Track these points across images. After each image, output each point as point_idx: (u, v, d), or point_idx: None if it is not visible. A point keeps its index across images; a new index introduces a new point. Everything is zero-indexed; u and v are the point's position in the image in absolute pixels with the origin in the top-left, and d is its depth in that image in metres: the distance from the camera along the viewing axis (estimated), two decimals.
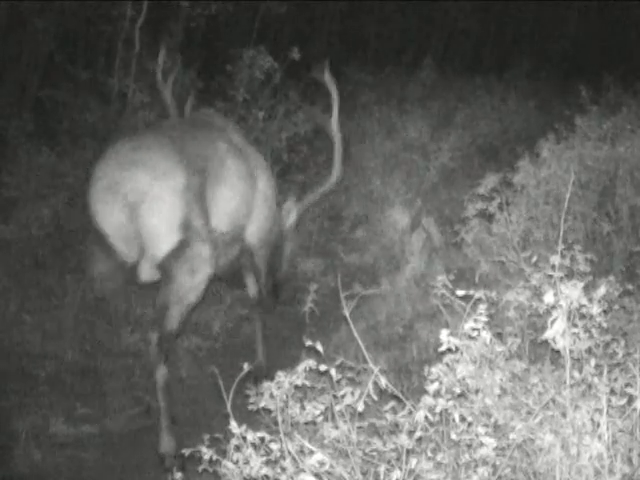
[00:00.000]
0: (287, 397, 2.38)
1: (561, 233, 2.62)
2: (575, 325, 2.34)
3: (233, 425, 2.28)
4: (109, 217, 3.31)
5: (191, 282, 3.40)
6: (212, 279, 3.60)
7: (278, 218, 4.21)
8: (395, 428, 2.37)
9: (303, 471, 2.22)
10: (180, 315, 3.44)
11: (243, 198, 3.78)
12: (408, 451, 2.22)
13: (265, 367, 4.45)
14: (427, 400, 2.27)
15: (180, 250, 3.33)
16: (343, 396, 2.36)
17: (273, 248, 4.24)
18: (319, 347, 2.42)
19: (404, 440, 2.22)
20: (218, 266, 3.63)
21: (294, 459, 2.24)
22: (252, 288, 4.35)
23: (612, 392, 2.30)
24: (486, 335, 2.37)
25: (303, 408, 2.39)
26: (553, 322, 2.30)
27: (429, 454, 2.27)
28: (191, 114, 4.40)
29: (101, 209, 3.33)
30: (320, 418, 2.40)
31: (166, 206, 3.30)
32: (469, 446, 2.26)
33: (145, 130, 3.86)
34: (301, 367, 2.37)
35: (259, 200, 3.96)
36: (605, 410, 2.24)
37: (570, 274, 2.74)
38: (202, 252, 3.39)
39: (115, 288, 3.58)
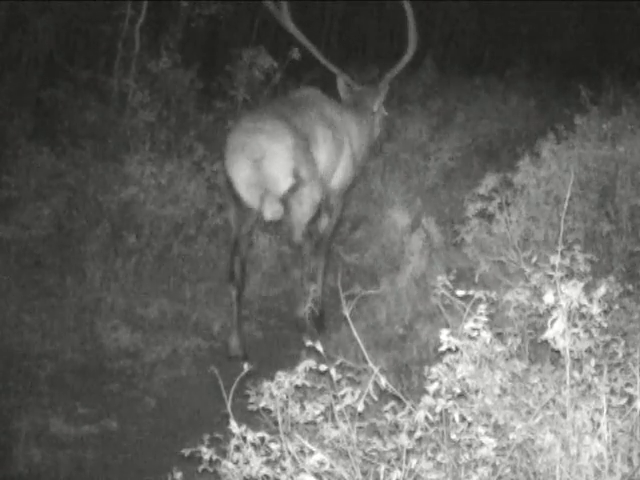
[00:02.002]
0: (287, 397, 2.37)
1: (561, 233, 2.62)
2: (575, 325, 2.34)
3: (233, 425, 2.28)
4: (239, 171, 4.46)
5: (302, 210, 4.63)
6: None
7: (358, 169, 5.31)
8: (395, 428, 2.37)
9: (303, 471, 2.22)
10: (300, 232, 4.69)
11: (329, 158, 4.84)
12: (408, 451, 2.22)
13: (322, 309, 5.11)
14: (427, 400, 2.27)
15: (293, 190, 4.52)
16: (343, 396, 2.36)
17: (348, 191, 5.36)
18: (319, 347, 2.43)
19: (404, 440, 2.22)
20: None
21: (294, 459, 2.24)
22: (323, 223, 5.18)
23: (612, 392, 2.29)
24: (486, 335, 2.37)
25: (303, 408, 2.39)
26: (553, 322, 2.30)
27: (429, 454, 2.27)
28: (293, 92, 5.41)
29: (233, 165, 4.48)
30: (320, 418, 2.40)
31: (280, 160, 4.46)
32: (469, 446, 2.26)
33: (260, 107, 5.31)
34: (301, 367, 2.37)
35: (343, 159, 5.01)
36: (605, 410, 2.24)
37: (570, 274, 2.74)
38: (306, 191, 4.59)
39: (247, 231, 4.65)
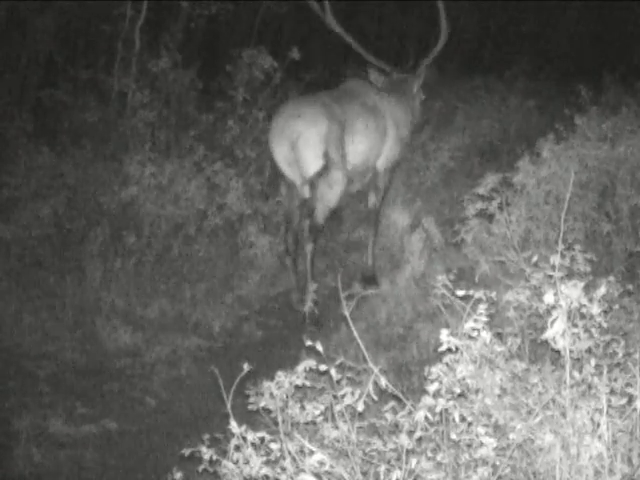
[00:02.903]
0: (287, 397, 2.38)
1: (561, 233, 2.62)
2: (575, 325, 2.34)
3: (233, 425, 2.28)
4: (279, 151, 5.00)
5: (329, 193, 4.99)
6: (346, 194, 5.25)
7: (404, 147, 5.75)
8: (395, 428, 2.37)
9: (303, 471, 2.22)
10: (323, 214, 5.03)
11: (372, 143, 5.28)
12: (408, 451, 2.22)
13: (373, 270, 5.53)
14: (427, 400, 2.27)
15: (322, 172, 4.94)
16: (343, 396, 2.36)
17: (394, 170, 5.78)
18: (319, 347, 2.43)
19: (404, 440, 2.22)
20: (352, 186, 5.28)
21: (294, 459, 2.25)
22: (372, 200, 5.68)
23: (612, 392, 2.30)
24: (486, 335, 2.37)
25: (303, 408, 2.39)
26: (553, 322, 2.30)
27: (429, 454, 2.27)
28: (341, 85, 5.78)
29: (275, 146, 5.02)
30: (320, 418, 2.40)
31: (313, 143, 4.91)
32: (469, 446, 2.26)
33: (304, 95, 5.67)
34: (301, 367, 2.38)
35: (387, 144, 5.44)
36: (605, 410, 2.24)
37: (570, 274, 2.74)
38: (336, 175, 4.98)
39: (297, 205, 5.13)
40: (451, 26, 5.96)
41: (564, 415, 2.27)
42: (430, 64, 5.90)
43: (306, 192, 5.08)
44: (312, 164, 4.93)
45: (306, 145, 4.92)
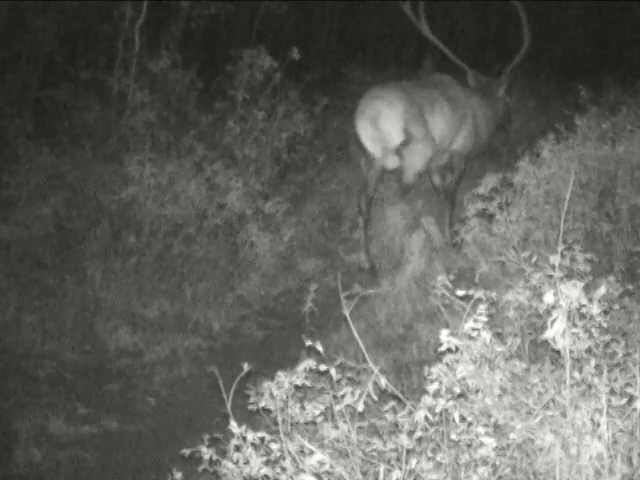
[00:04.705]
0: (287, 397, 2.38)
1: (561, 233, 2.62)
2: (575, 325, 2.34)
3: (233, 425, 2.29)
4: (363, 128, 5.68)
5: (416, 159, 5.69)
6: (426, 170, 5.95)
7: (481, 141, 6.34)
8: (395, 428, 2.37)
9: (303, 471, 2.22)
10: (412, 175, 5.72)
11: (448, 127, 5.92)
12: (408, 451, 2.22)
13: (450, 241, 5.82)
14: (427, 400, 2.27)
15: (405, 143, 5.63)
16: (343, 396, 2.36)
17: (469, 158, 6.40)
18: (319, 347, 2.43)
19: (404, 440, 2.22)
20: (431, 164, 5.92)
21: (294, 459, 2.25)
22: (448, 179, 6.27)
23: (612, 392, 2.30)
24: (486, 335, 2.37)
25: (303, 408, 2.39)
26: (553, 322, 2.30)
27: (429, 454, 2.27)
28: (427, 76, 6.70)
29: (359, 124, 5.70)
30: (320, 418, 2.40)
31: (392, 120, 5.64)
32: (469, 446, 2.26)
33: (386, 82, 6.16)
34: (301, 367, 2.38)
35: (464, 130, 6.06)
36: (605, 410, 2.24)
37: (570, 274, 2.74)
38: (421, 146, 5.67)
39: (374, 176, 5.76)
40: (451, 27, 6.10)
41: (564, 415, 2.27)
42: (513, 70, 6.55)
43: (389, 163, 5.72)
44: (395, 137, 5.63)
45: (386, 122, 5.64)
